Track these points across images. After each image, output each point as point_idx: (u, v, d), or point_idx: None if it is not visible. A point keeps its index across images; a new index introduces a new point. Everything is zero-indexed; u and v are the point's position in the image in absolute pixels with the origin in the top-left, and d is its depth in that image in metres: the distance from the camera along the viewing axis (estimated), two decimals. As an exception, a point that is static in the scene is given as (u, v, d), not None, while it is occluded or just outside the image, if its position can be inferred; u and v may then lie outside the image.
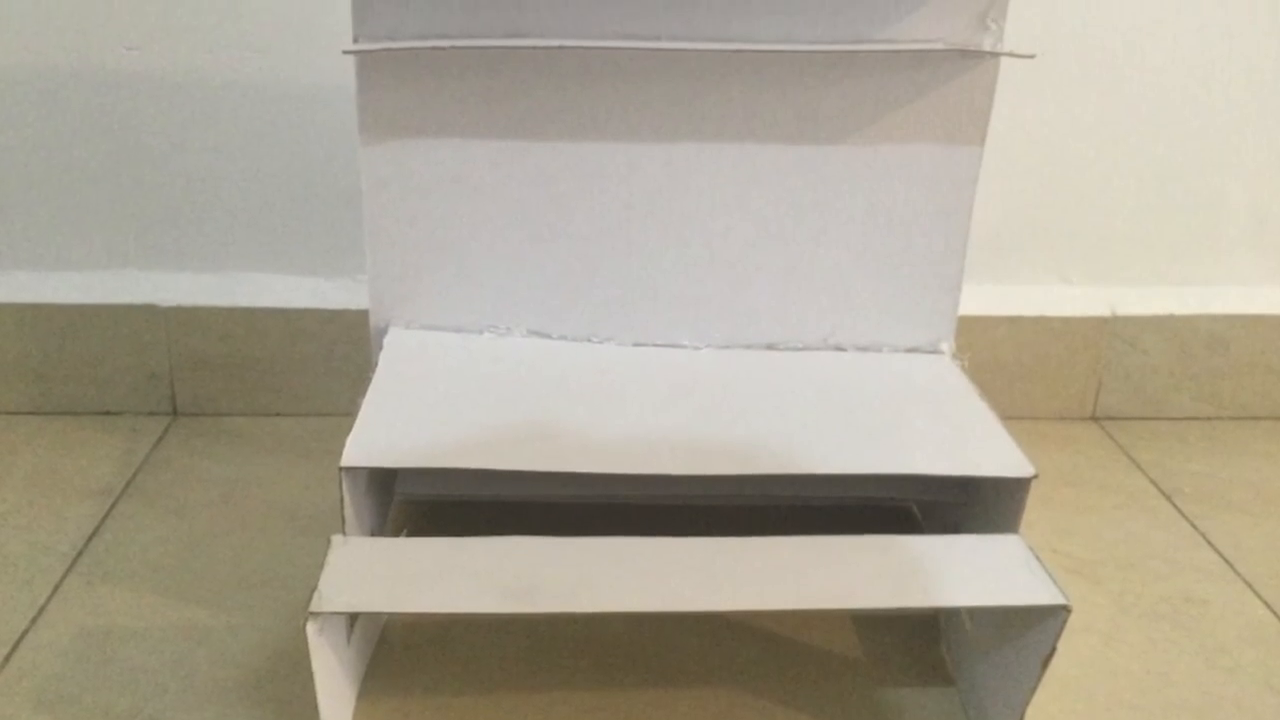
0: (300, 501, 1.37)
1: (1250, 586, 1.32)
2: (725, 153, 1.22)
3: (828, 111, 1.21)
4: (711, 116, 1.21)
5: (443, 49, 1.15)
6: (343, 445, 1.07)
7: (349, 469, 1.05)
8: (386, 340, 1.26)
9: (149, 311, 1.45)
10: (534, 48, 1.15)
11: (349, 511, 1.06)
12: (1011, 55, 1.19)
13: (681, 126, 1.20)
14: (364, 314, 1.30)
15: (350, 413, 1.11)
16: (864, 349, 1.32)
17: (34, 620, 1.17)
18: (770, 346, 1.31)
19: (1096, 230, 1.58)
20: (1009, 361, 1.58)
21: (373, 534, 1.17)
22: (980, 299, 1.55)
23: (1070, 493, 1.47)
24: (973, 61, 1.20)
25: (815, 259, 1.27)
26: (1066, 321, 1.57)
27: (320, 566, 1.00)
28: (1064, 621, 1.02)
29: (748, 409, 1.19)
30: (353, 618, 1.07)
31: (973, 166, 1.25)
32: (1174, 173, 1.56)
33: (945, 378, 1.28)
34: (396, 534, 1.26)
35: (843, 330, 1.31)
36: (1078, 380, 1.61)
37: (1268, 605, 1.29)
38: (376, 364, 1.22)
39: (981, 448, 1.15)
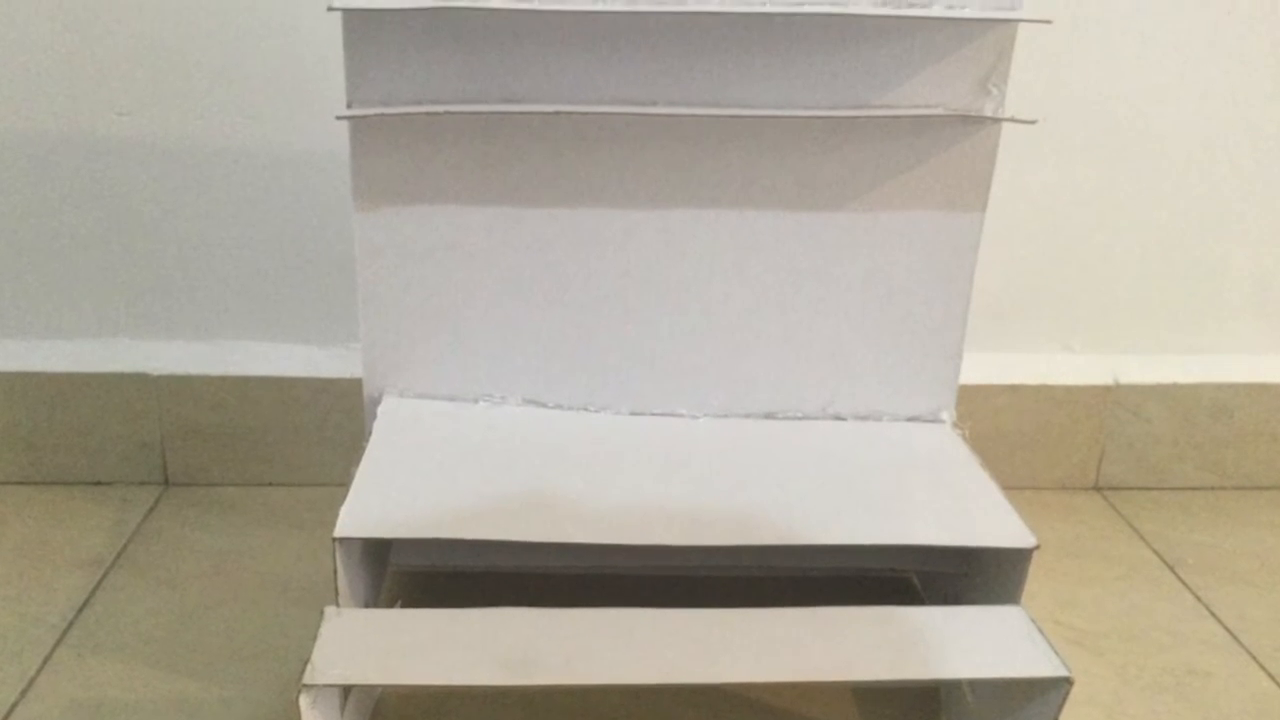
0: (293, 572, 1.37)
1: (1254, 658, 1.32)
2: (723, 219, 1.23)
3: (827, 177, 1.22)
4: (709, 182, 1.22)
5: (437, 114, 1.16)
6: (336, 515, 1.07)
7: (343, 539, 1.06)
8: (380, 409, 1.26)
9: (140, 380, 1.46)
10: (529, 113, 1.16)
11: (342, 582, 1.06)
12: (1013, 121, 1.20)
13: (678, 192, 1.21)
14: (357, 382, 1.32)
15: (344, 482, 1.11)
16: (864, 418, 1.33)
17: (23, 693, 1.18)
18: (769, 415, 1.32)
19: (1099, 298, 1.59)
20: (1010, 430, 1.59)
21: (367, 605, 1.17)
22: (981, 367, 1.56)
23: (1072, 563, 1.48)
24: (974, 127, 1.21)
25: (814, 327, 1.28)
26: (1069, 390, 1.58)
27: (313, 638, 1.00)
28: (1066, 694, 1.02)
29: (746, 479, 1.20)
30: (346, 690, 1.08)
31: (974, 233, 1.26)
32: (1177, 240, 1.57)
33: (946, 447, 1.28)
34: (391, 605, 1.26)
35: (842, 399, 1.32)
36: (1080, 449, 1.61)
37: (1271, 677, 1.30)
38: (370, 433, 1.22)
39: (983, 518, 1.15)
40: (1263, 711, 1.25)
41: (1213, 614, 1.40)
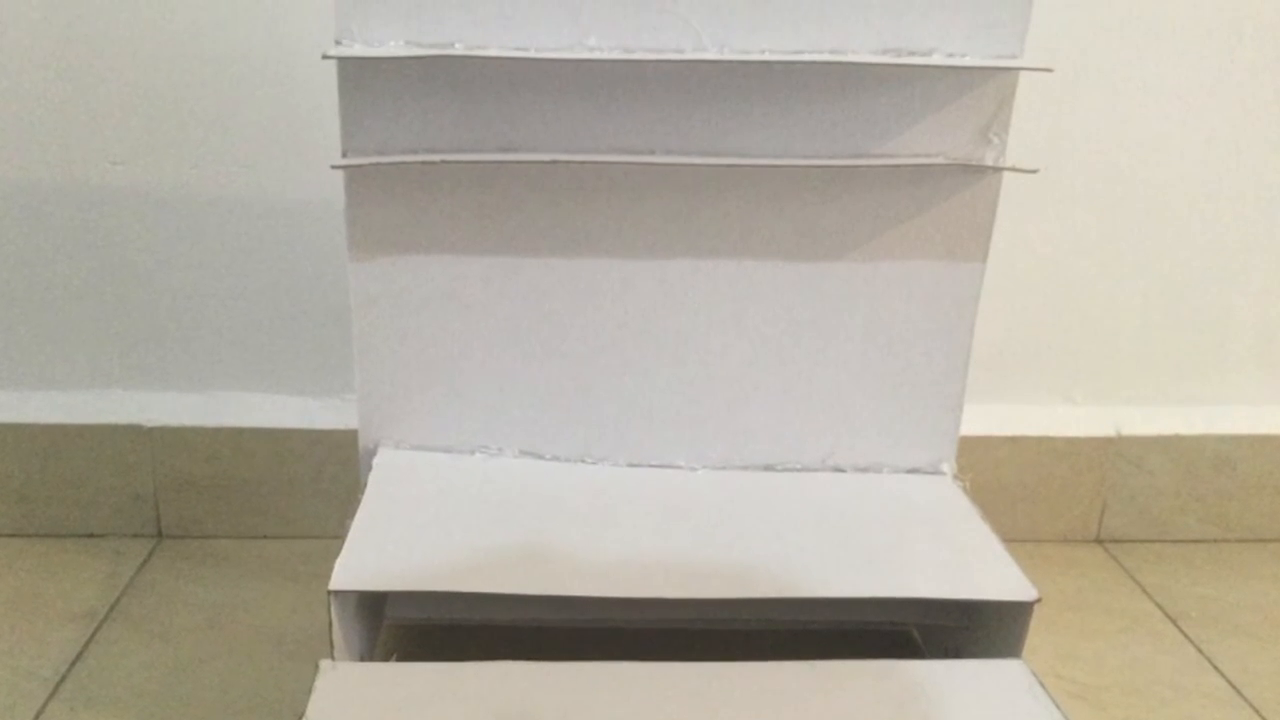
0: (288, 626, 1.37)
1: (1258, 712, 1.32)
2: (721, 269, 1.24)
3: (826, 227, 1.23)
4: (706, 232, 1.23)
5: (433, 163, 1.16)
6: (331, 568, 1.08)
7: (338, 593, 1.06)
8: (376, 461, 1.27)
9: (134, 432, 1.46)
10: (527, 162, 1.17)
11: (337, 636, 1.06)
12: (1014, 170, 1.20)
13: (676, 243, 1.22)
14: (352, 434, 1.32)
15: (339, 535, 1.12)
16: (863, 469, 1.34)
17: (15, 748, 1.18)
18: (768, 467, 1.33)
19: (1101, 349, 1.60)
20: (1011, 482, 1.59)
21: (362, 659, 1.17)
22: (982, 419, 1.57)
23: (1074, 617, 1.48)
24: (974, 176, 1.22)
25: (813, 378, 1.29)
26: (1070, 442, 1.59)
27: (308, 692, 1.01)
28: (1068, 748, 1.03)
29: (745, 531, 1.21)
30: (341, 744, 1.08)
31: (975, 283, 1.26)
32: (1179, 290, 1.57)
33: (946, 499, 1.29)
34: (386, 658, 1.26)
35: (841, 451, 1.33)
36: (1081, 501, 1.62)
37: (1275, 730, 1.30)
38: (366, 485, 1.23)
39: (983, 571, 1.16)
40: (1266, 765, 1.26)
41: (1216, 667, 1.40)
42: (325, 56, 1.09)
